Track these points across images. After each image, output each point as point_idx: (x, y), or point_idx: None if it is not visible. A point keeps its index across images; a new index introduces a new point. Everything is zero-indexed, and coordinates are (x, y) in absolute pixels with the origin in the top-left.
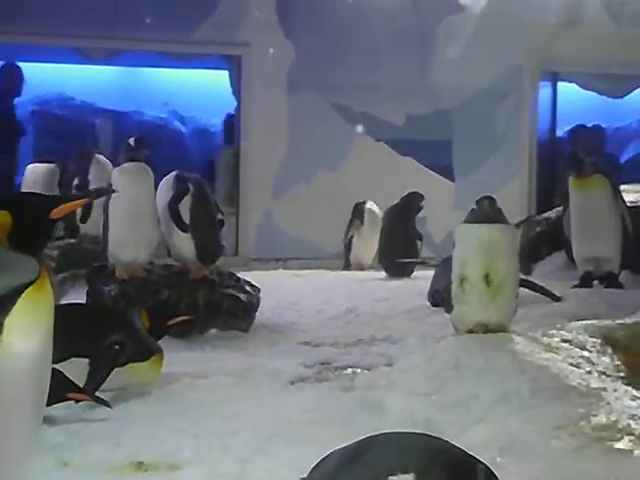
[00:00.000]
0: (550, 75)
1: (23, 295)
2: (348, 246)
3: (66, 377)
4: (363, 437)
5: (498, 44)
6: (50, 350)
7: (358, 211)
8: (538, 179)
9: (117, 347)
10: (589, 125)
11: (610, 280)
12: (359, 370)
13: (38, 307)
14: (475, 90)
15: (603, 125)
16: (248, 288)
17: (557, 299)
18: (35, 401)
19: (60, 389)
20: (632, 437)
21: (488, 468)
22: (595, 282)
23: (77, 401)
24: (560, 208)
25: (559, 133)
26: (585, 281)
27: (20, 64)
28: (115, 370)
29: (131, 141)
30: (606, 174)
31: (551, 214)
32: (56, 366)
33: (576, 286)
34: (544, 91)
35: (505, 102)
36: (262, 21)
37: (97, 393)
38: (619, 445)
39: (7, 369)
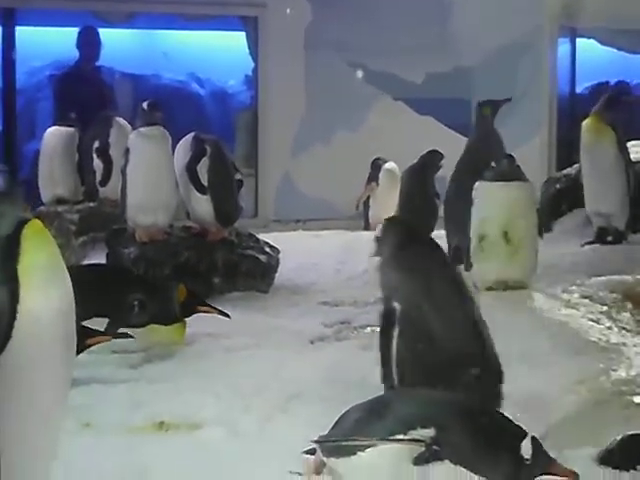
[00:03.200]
0: (569, 31)
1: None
2: (367, 206)
3: (82, 325)
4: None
5: (517, 0)
6: (70, 292)
7: (374, 170)
8: (558, 136)
9: (136, 305)
10: (613, 82)
11: (615, 236)
12: (378, 329)
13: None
14: (495, 47)
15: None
16: (267, 249)
17: None
18: (65, 353)
19: (80, 338)
20: None
21: (509, 421)
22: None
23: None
24: (580, 164)
25: (578, 90)
26: (599, 237)
27: (37, 29)
28: (136, 331)
29: (144, 105)
30: (614, 127)
31: (571, 171)
32: None
33: (588, 243)
34: (563, 47)
35: (525, 59)
36: None
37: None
38: (639, 399)
39: (30, 319)
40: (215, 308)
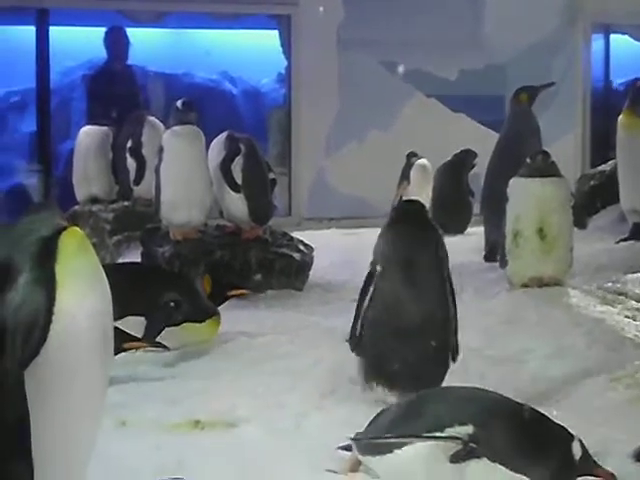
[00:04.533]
0: (602, 27)
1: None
2: None
3: (120, 329)
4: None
5: None
6: (107, 295)
7: (406, 168)
8: (592, 132)
9: (172, 305)
10: None
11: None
12: None
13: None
14: (528, 44)
15: None
16: (301, 247)
17: None
18: (102, 353)
19: (116, 341)
20: None
21: (547, 418)
22: None
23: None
24: (614, 160)
25: (612, 86)
26: (634, 234)
27: (70, 29)
28: (171, 330)
29: (178, 104)
30: None
31: (605, 167)
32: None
33: (623, 239)
34: (597, 44)
35: (558, 56)
36: None
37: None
38: None
39: (67, 320)
40: (247, 287)
